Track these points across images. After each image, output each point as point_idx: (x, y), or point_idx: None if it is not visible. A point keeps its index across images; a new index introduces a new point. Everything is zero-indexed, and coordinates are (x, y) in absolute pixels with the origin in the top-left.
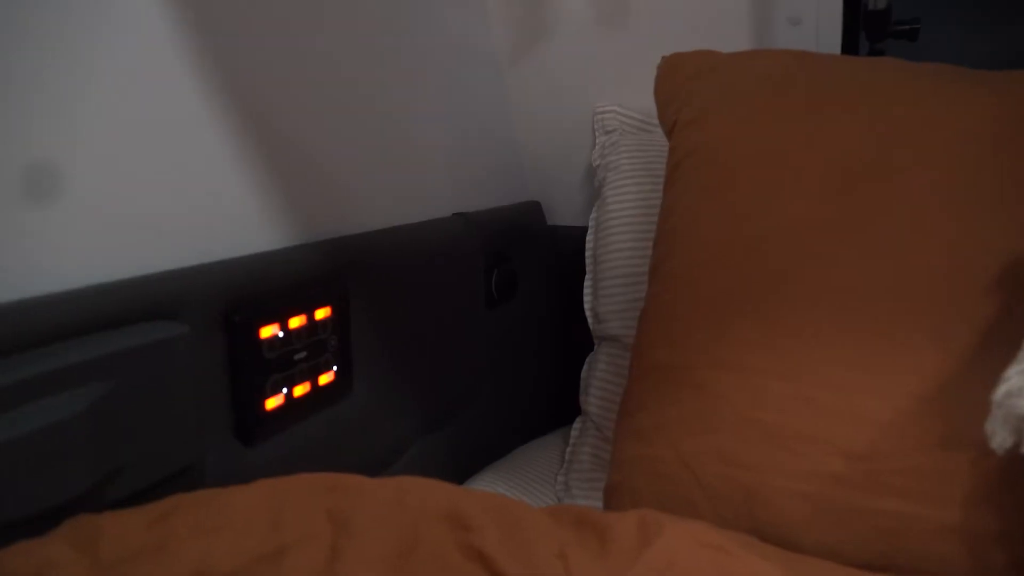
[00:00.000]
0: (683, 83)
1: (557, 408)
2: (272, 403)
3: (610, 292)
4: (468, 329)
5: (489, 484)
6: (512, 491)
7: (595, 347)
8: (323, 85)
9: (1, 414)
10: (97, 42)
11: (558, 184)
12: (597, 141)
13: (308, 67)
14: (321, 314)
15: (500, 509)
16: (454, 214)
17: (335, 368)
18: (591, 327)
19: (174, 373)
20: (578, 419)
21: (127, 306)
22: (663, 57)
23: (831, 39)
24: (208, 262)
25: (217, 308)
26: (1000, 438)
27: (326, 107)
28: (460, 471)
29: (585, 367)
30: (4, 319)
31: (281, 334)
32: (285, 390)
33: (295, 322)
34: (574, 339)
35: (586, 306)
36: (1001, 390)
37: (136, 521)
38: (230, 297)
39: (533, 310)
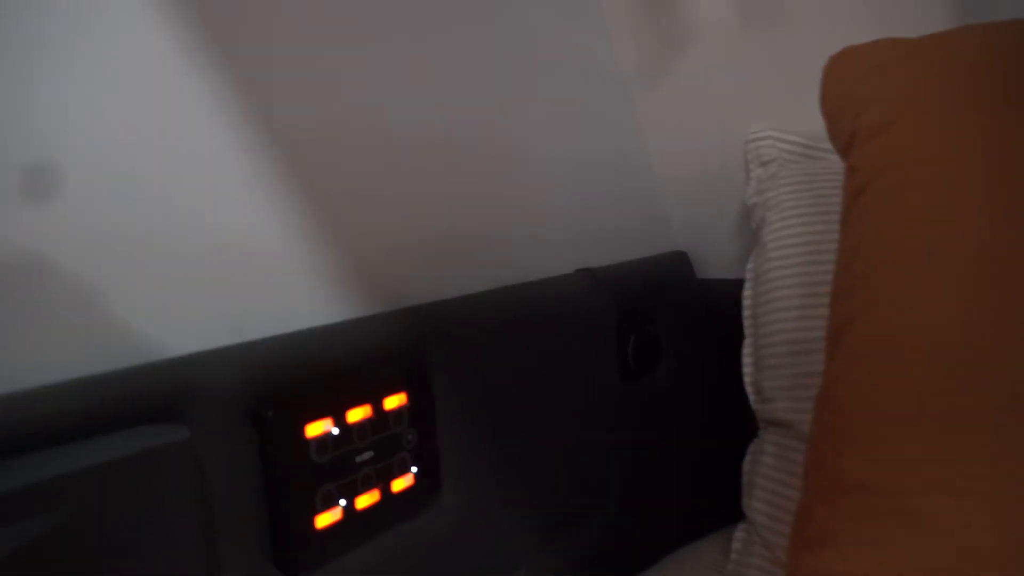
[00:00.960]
0: (860, 82)
1: (715, 505)
2: (325, 520)
3: (775, 363)
4: (597, 409)
5: None
6: None
7: (760, 432)
8: (405, 114)
9: None
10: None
11: (708, 229)
12: (752, 175)
13: (387, 95)
14: (393, 402)
15: None
16: (578, 270)
17: (414, 470)
18: (753, 406)
19: (169, 491)
20: (741, 526)
21: (99, 410)
22: (831, 56)
23: None
24: (228, 344)
25: (241, 402)
26: None
27: (408, 141)
28: None
29: (748, 458)
30: None
31: (336, 431)
32: (343, 502)
33: (356, 414)
34: (734, 419)
35: (746, 379)
36: None
37: None
38: (259, 387)
39: (681, 384)
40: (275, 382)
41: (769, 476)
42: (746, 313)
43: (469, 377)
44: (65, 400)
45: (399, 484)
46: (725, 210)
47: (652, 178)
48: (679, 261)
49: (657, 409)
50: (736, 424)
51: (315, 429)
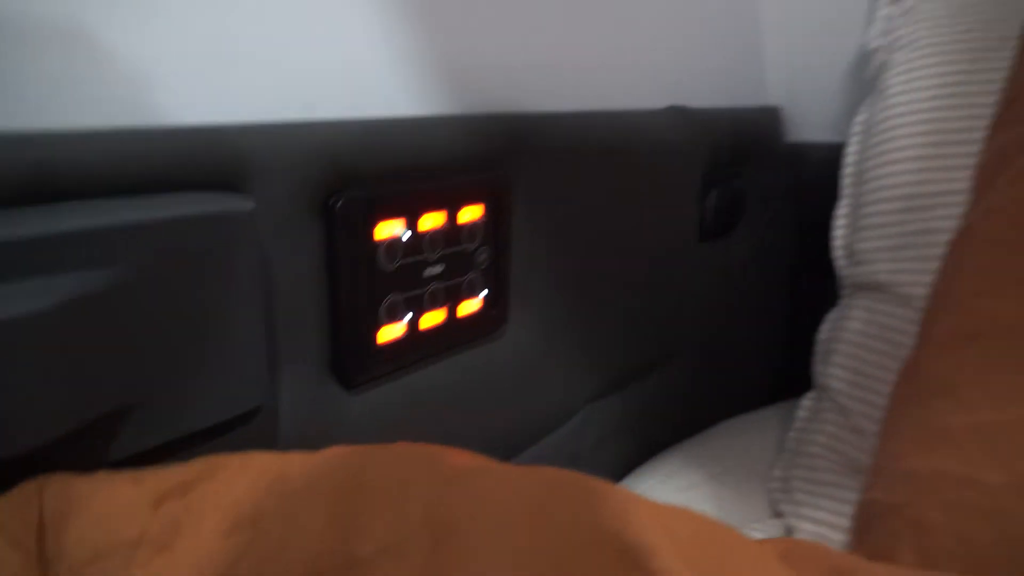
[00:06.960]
0: None
1: (774, 378)
2: (387, 334)
3: (878, 221)
4: (670, 264)
5: (677, 469)
6: (707, 482)
7: (843, 299)
8: None
9: None
10: None
11: (808, 85)
12: (878, 14)
13: None
14: (468, 214)
15: (704, 542)
16: (669, 107)
17: (484, 294)
18: (840, 271)
19: (227, 269)
20: (809, 395)
21: (153, 167)
22: None
23: None
24: (303, 120)
25: (307, 186)
26: None
27: None
28: (640, 447)
29: (825, 326)
30: None
31: (406, 236)
32: (408, 317)
33: (429, 221)
34: (805, 291)
35: (835, 242)
36: None
37: (138, 492)
38: (328, 172)
39: (758, 248)
40: (346, 169)
41: (853, 342)
42: (847, 171)
43: (548, 200)
44: (117, 149)
45: (466, 307)
46: (832, 65)
47: (755, 20)
48: (770, 117)
49: (730, 272)
50: (808, 295)
51: (385, 231)
